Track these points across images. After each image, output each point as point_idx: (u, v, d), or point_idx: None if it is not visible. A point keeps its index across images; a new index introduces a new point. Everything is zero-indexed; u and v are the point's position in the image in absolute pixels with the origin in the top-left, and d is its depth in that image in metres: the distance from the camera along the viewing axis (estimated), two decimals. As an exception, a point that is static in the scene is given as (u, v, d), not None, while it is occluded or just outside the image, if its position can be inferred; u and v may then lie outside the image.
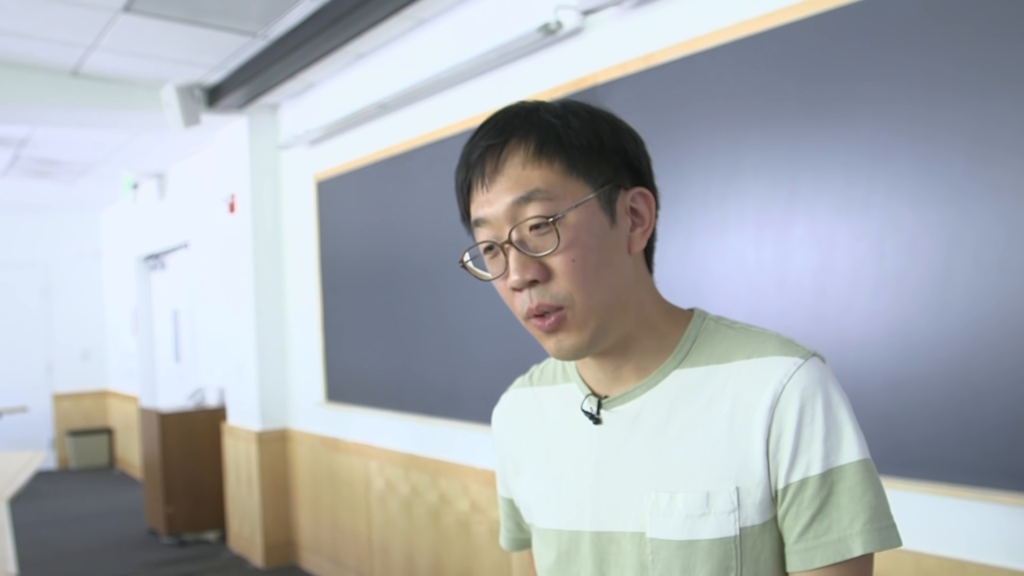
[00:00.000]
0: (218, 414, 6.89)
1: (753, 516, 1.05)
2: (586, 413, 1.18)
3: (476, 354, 4.01)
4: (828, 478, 1.03)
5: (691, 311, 1.20)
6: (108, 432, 10.81)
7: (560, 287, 1.06)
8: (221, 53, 4.97)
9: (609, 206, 1.09)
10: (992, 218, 2.18)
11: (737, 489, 1.05)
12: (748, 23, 2.72)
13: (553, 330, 1.08)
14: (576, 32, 3.43)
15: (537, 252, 1.06)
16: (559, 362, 1.29)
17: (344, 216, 5.14)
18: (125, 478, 9.88)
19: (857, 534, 1.02)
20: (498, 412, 1.37)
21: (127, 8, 4.26)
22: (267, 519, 6.03)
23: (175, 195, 8.19)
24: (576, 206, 1.06)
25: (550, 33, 3.47)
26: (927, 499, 2.36)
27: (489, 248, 1.10)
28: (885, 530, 1.03)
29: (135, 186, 8.44)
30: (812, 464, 1.03)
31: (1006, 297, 2.16)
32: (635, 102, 3.07)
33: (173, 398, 8.64)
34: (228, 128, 6.18)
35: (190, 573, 6.04)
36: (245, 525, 6.27)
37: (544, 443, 1.25)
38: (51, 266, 10.81)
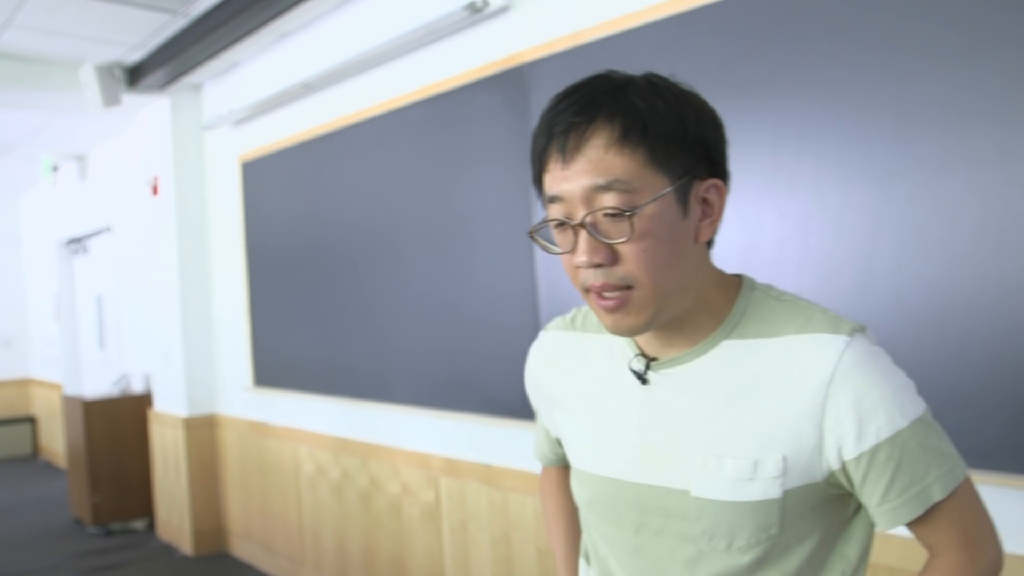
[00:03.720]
0: (144, 400, 6.76)
1: (796, 480, 1.13)
2: (634, 372, 1.23)
3: (405, 337, 3.97)
4: (898, 439, 1.10)
5: (739, 279, 1.24)
6: (31, 421, 10.56)
7: (627, 271, 1.10)
8: (141, 31, 4.84)
9: (683, 198, 1.12)
10: (916, 196, 2.21)
11: (784, 458, 1.12)
12: (675, 1, 2.72)
13: (614, 309, 1.12)
14: (503, 10, 3.40)
15: (609, 238, 1.09)
16: None
17: (270, 198, 5.06)
18: (49, 468, 9.66)
19: (933, 482, 1.11)
20: (539, 349, 1.43)
21: (41, -16, 4.13)
22: (196, 506, 5.94)
23: (97, 178, 7.98)
24: (653, 200, 1.08)
25: (476, 11, 3.44)
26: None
27: (560, 224, 1.13)
28: (955, 467, 1.13)
29: (55, 168, 8.23)
30: (881, 430, 1.09)
31: (929, 275, 2.19)
32: (562, 82, 3.04)
33: (98, 385, 8.45)
34: (150, 108, 6.04)
35: (117, 563, 5.93)
36: (173, 513, 6.17)
37: (588, 390, 1.31)
38: (-32, 252, 10.50)
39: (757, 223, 2.52)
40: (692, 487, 1.16)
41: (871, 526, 1.20)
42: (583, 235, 1.09)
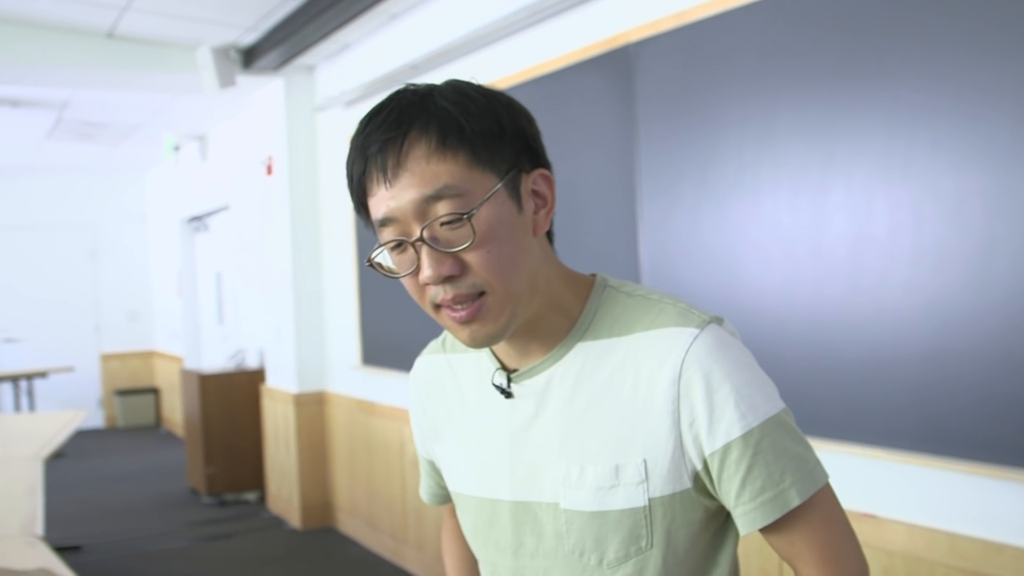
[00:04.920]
0: (257, 376, 6.92)
1: (662, 487, 1.09)
2: (496, 387, 1.20)
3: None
4: (749, 439, 1.06)
5: (592, 278, 1.20)
6: (154, 392, 10.96)
7: (477, 278, 1.06)
8: (255, 13, 4.92)
9: (515, 193, 1.09)
10: (1038, 184, 2.07)
11: (645, 461, 1.09)
12: (785, -21, 2.61)
13: (469, 320, 1.08)
14: (609, -11, 3.33)
15: (451, 247, 1.04)
16: None
17: (379, 179, 5.08)
18: (170, 437, 10.01)
19: (790, 486, 1.06)
20: (414, 377, 1.38)
21: (158, -32, 4.22)
22: (304, 481, 6.06)
23: (216, 157, 8.20)
24: (487, 199, 1.05)
25: (582, -10, 3.37)
26: (964, 478, 2.27)
27: (397, 245, 1.08)
28: (813, 472, 1.08)
29: (177, 148, 8.47)
30: (732, 428, 1.05)
31: (1051, 268, 2.06)
32: (668, 62, 2.97)
33: (216, 359, 8.71)
34: (265, 90, 6.14)
35: (229, 533, 6.10)
36: (283, 487, 6.31)
37: (462, 412, 1.28)
38: (98, 228, 10.92)
39: (868, 212, 2.40)
40: (560, 499, 1.14)
41: (737, 534, 1.16)
42: (424, 250, 1.04)
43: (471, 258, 1.04)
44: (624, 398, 1.10)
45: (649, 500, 1.09)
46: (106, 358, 10.98)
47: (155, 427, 10.81)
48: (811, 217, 2.55)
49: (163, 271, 10.55)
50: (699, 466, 1.08)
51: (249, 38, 5.38)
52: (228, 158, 7.80)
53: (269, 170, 6.20)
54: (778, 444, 1.06)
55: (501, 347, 1.19)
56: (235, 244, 7.90)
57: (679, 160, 2.95)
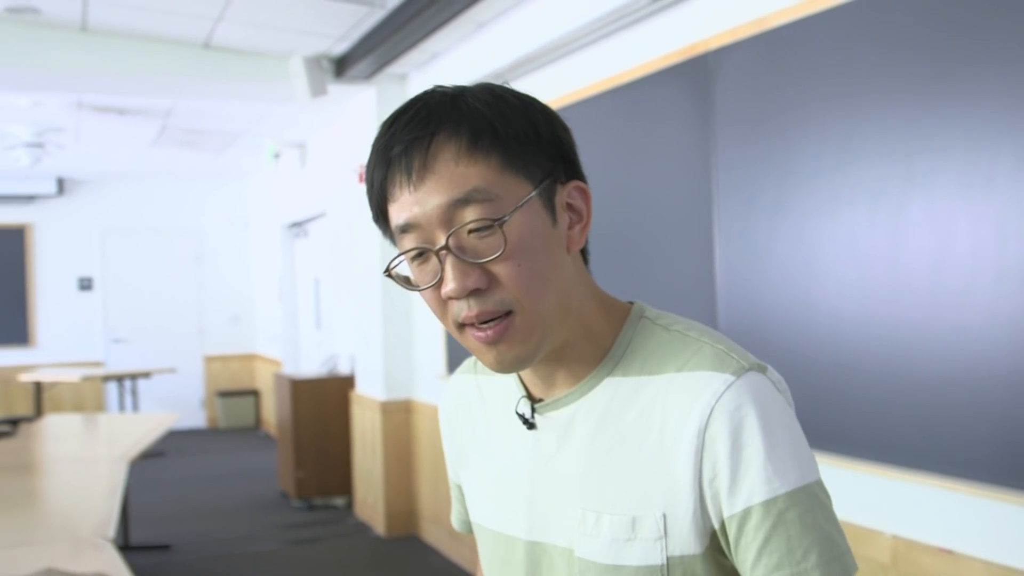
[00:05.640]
0: (348, 382, 6.98)
1: (682, 545, 0.98)
2: (520, 416, 1.11)
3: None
4: (772, 507, 0.93)
5: (629, 306, 1.11)
6: (255, 394, 11.18)
7: (506, 294, 0.97)
8: (343, 24, 4.96)
9: (549, 203, 1.01)
10: None
11: (664, 516, 0.98)
12: (866, -17, 2.49)
13: (495, 341, 0.99)
14: (689, -4, 3.24)
15: (479, 258, 0.96)
16: None
17: (464, 188, 5.07)
18: (268, 439, 10.19)
19: (813, 568, 0.92)
20: (444, 397, 1.31)
21: (247, -21, 4.29)
22: (389, 489, 6.08)
23: (314, 164, 8.32)
24: (521, 206, 0.97)
25: (662, -3, 3.29)
26: (1049, 514, 2.12)
27: (419, 254, 1.00)
28: (843, 558, 0.94)
29: (277, 155, 8.62)
30: (754, 492, 0.94)
31: None
32: (746, 72, 2.87)
33: (313, 364, 8.83)
34: (358, 98, 6.20)
35: (315, 537, 6.16)
36: (370, 493, 6.34)
37: (487, 439, 1.20)
38: (203, 232, 11.22)
39: (949, 228, 2.27)
40: (575, 546, 1.04)
41: None
42: (449, 260, 0.96)
43: (500, 271, 0.96)
44: (649, 445, 1.00)
45: (667, 559, 0.98)
46: (209, 360, 11.26)
47: (255, 429, 11.03)
48: (889, 233, 2.43)
49: (265, 276, 10.77)
50: (716, 526, 0.98)
51: (340, 48, 5.43)
52: (325, 165, 7.92)
53: (360, 178, 6.26)
54: (807, 517, 0.93)
55: (527, 373, 1.11)
56: (331, 251, 8.01)
57: (756, 172, 2.86)
